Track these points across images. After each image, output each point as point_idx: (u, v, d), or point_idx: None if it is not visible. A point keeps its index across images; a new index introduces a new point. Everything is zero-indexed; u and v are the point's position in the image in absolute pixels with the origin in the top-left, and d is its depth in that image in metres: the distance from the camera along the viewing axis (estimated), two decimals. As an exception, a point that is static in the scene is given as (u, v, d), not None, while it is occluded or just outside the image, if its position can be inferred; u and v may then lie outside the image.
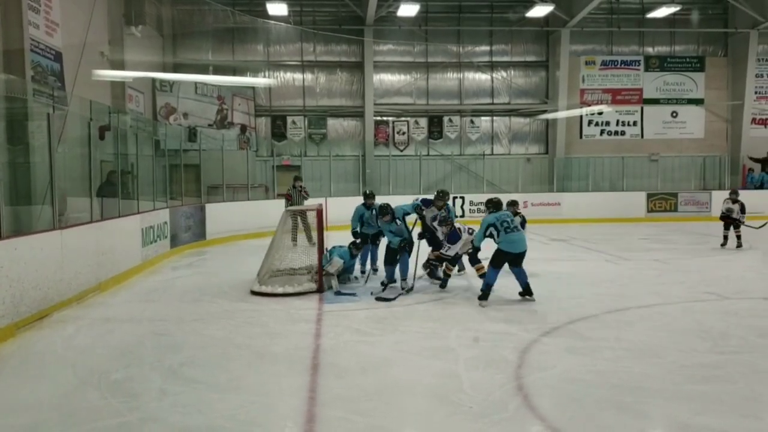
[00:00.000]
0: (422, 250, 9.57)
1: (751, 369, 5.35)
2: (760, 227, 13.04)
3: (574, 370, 5.30)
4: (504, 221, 8.05)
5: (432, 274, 9.72)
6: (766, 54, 23.35)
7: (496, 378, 5.11)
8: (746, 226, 13.10)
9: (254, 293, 8.73)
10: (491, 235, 8.08)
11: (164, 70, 20.57)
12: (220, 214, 15.22)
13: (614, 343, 6.15)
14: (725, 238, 13.29)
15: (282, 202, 14.36)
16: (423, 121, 22.89)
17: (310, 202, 13.69)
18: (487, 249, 8.31)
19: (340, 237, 11.82)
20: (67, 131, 10.13)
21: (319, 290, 8.74)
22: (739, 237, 13.05)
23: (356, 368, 5.43)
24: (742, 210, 13.07)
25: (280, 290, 8.66)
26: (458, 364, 5.52)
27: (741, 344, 6.14)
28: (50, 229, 7.77)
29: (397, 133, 22.78)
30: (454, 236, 8.74)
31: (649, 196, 20.97)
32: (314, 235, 9.84)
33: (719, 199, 20.60)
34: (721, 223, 13.37)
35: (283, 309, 7.83)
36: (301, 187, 14.13)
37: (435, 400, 4.73)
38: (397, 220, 9.06)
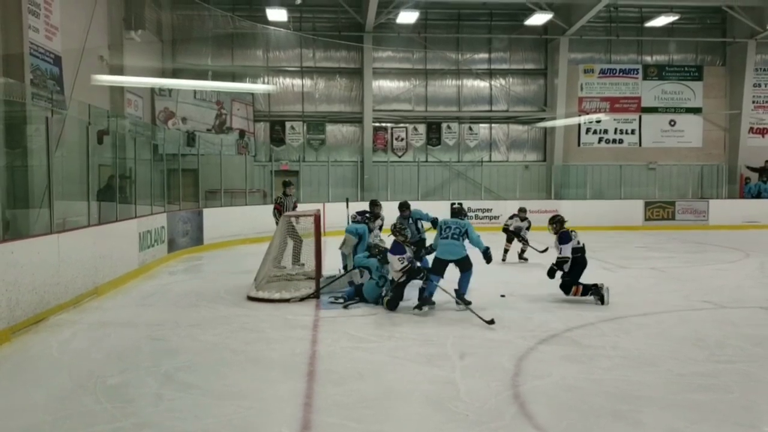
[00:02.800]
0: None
1: (747, 378, 5.35)
2: (543, 251, 11.79)
3: (571, 378, 5.30)
4: (447, 227, 8.32)
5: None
6: (763, 63, 23.42)
7: (492, 385, 5.11)
8: (531, 247, 12.29)
9: (251, 299, 8.72)
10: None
11: (163, 75, 20.60)
12: (217, 219, 15.21)
13: (611, 352, 6.15)
14: (506, 251, 12.53)
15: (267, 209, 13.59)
16: (421, 128, 22.92)
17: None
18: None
19: (337, 242, 11.82)
20: (66, 135, 10.14)
21: (316, 296, 8.73)
22: (524, 251, 12.52)
23: (352, 374, 5.42)
24: (528, 228, 12.51)
25: (276, 296, 8.65)
26: (455, 371, 5.52)
27: (737, 353, 6.14)
28: (47, 233, 7.76)
29: (396, 139, 22.81)
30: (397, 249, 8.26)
31: (646, 204, 21.00)
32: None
33: (717, 208, 20.89)
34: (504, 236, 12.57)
35: (280, 315, 7.82)
36: (292, 194, 12.58)
37: (431, 407, 4.72)
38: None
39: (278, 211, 11.94)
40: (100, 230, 9.34)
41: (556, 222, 8.91)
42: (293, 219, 10.05)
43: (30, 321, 6.97)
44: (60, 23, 12.56)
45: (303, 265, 10.46)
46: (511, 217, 12.63)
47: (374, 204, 10.40)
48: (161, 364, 5.75)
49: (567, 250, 8.54)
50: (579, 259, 8.66)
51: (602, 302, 8.32)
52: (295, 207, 12.30)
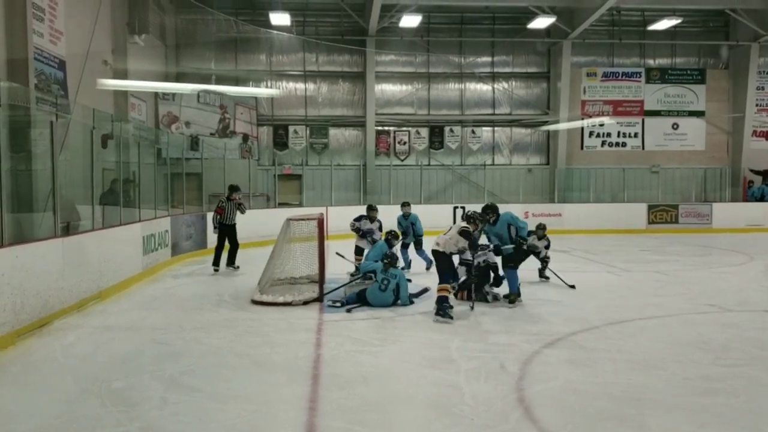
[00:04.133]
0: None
1: (752, 382, 5.34)
2: (571, 286, 9.90)
3: (576, 382, 5.29)
4: None
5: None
6: (766, 66, 23.41)
7: (497, 389, 5.11)
8: (555, 275, 10.46)
9: (255, 302, 8.73)
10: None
11: (167, 79, 20.64)
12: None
13: (616, 355, 6.14)
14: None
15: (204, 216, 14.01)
16: (424, 131, 22.93)
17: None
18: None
19: (339, 246, 11.82)
20: (70, 139, 10.17)
21: (320, 299, 8.72)
22: (543, 269, 10.76)
23: (357, 378, 5.42)
24: (547, 247, 10.73)
25: (280, 299, 8.66)
26: (459, 375, 5.51)
27: (742, 357, 6.13)
28: (52, 236, 7.78)
29: (399, 142, 22.82)
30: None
31: (650, 207, 20.95)
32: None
33: (720, 212, 20.84)
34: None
35: (284, 318, 7.82)
36: (237, 199, 12.16)
37: (436, 411, 4.72)
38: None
39: (219, 215, 11.96)
40: (104, 234, 9.37)
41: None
42: (293, 222, 9.99)
43: (34, 325, 6.98)
44: (64, 28, 12.60)
45: (238, 267, 11.69)
46: (530, 236, 10.29)
47: (370, 208, 11.45)
48: (165, 367, 5.75)
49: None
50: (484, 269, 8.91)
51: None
52: (239, 208, 12.14)
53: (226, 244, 12.04)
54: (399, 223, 11.84)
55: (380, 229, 11.28)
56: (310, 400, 4.92)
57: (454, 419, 4.52)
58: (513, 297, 8.58)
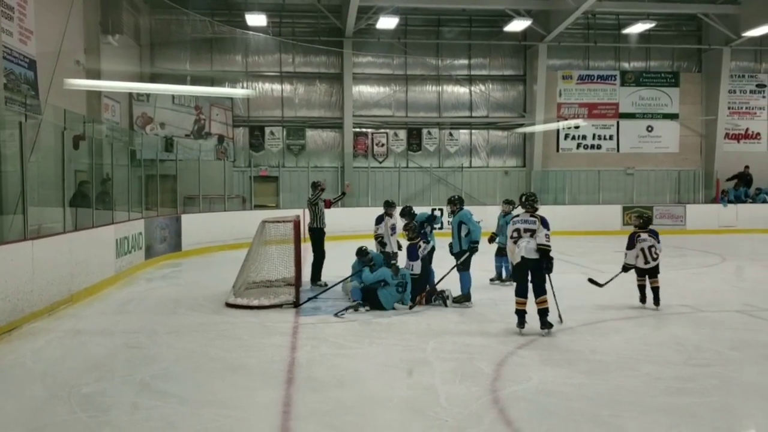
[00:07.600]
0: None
1: (724, 382, 5.40)
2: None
3: (550, 383, 5.30)
4: None
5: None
6: (738, 70, 23.82)
7: (472, 391, 5.10)
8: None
9: (229, 305, 8.64)
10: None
11: (141, 79, 20.38)
12: (196, 225, 15.07)
13: (590, 356, 6.18)
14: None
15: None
16: (402, 133, 22.94)
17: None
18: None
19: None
20: (41, 140, 10.00)
21: (296, 303, 8.65)
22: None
23: (332, 381, 5.39)
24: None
25: (255, 302, 8.58)
26: (434, 377, 5.50)
27: (715, 357, 6.20)
28: (21, 239, 7.63)
29: (376, 144, 22.80)
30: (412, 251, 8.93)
31: (624, 209, 21.16)
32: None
33: (694, 213, 21.09)
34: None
35: (259, 321, 7.76)
36: (322, 185, 11.47)
37: (411, 413, 4.70)
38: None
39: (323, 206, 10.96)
40: (76, 237, 9.21)
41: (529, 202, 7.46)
42: (268, 224, 9.87)
43: (3, 329, 6.84)
44: (35, 27, 12.37)
45: (324, 284, 10.05)
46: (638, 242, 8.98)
47: (386, 204, 10.43)
48: (138, 372, 5.66)
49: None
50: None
51: (445, 305, 8.62)
52: (328, 205, 11.30)
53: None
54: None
55: (394, 229, 10.06)
56: (284, 404, 4.87)
57: (429, 421, 4.50)
58: (461, 299, 8.70)
